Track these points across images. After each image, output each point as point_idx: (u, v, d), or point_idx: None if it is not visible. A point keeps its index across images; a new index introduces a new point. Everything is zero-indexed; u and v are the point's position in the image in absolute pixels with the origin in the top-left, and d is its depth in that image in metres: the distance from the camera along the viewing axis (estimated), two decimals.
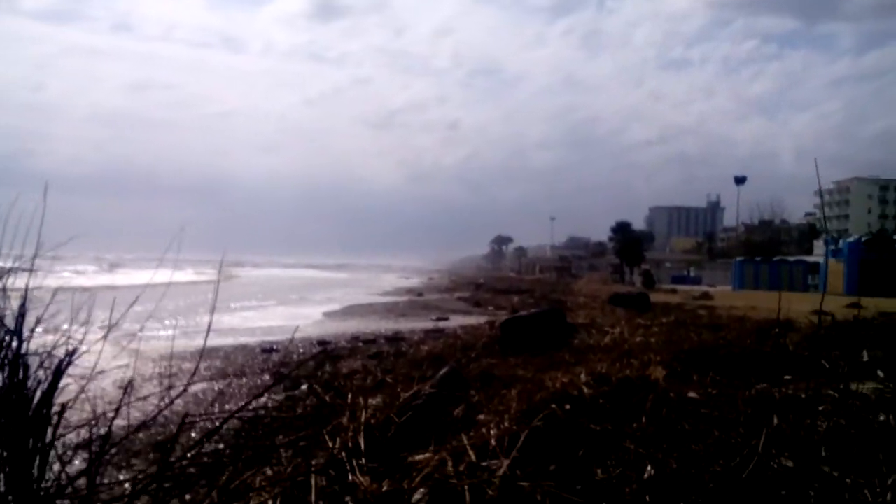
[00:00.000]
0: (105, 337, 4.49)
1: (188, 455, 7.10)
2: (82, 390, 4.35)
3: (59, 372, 4.18)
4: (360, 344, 16.33)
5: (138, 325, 5.10)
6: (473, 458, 4.71)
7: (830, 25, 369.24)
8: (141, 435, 8.78)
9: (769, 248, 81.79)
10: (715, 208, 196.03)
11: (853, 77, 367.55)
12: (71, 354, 4.29)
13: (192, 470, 6.60)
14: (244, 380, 11.88)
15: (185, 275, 71.35)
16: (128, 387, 4.51)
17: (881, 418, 5.86)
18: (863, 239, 55.16)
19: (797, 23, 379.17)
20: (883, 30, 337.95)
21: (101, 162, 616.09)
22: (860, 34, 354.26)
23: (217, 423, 8.79)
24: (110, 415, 4.39)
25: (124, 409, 4.50)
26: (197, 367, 8.16)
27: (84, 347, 4.38)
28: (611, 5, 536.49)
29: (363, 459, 4.72)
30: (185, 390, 4.81)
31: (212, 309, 4.71)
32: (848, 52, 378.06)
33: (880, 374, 8.51)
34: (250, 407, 9.48)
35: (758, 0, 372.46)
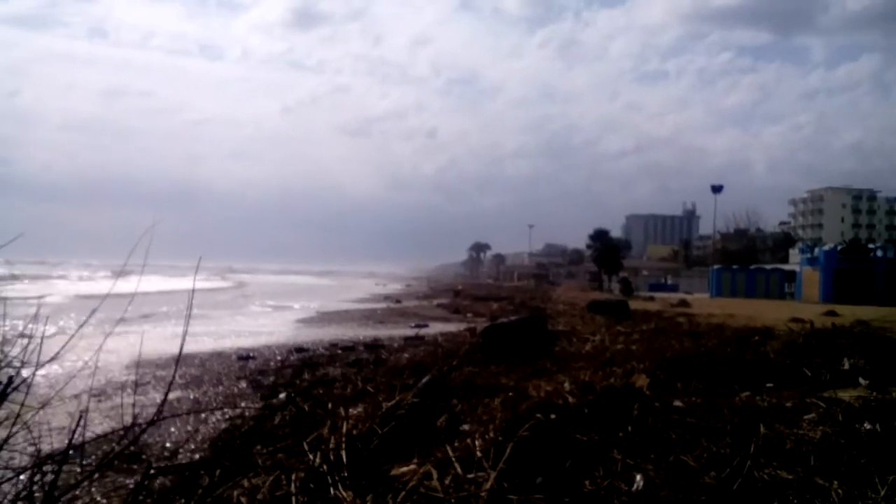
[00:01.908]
0: (52, 359, 4.11)
1: (163, 466, 6.93)
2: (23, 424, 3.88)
3: None
4: (339, 351, 16.16)
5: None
6: (459, 470, 4.57)
7: (804, 39, 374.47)
8: (115, 445, 8.60)
9: (745, 257, 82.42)
10: (691, 217, 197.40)
11: (826, 90, 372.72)
12: (7, 385, 3.87)
13: (167, 482, 6.41)
14: (220, 388, 11.67)
15: (197, 282, 72.29)
16: (80, 420, 3.96)
17: (867, 427, 5.82)
18: (838, 247, 55.76)
19: (771, 36, 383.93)
20: (855, 43, 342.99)
21: (75, 169, 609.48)
22: (833, 48, 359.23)
23: (194, 433, 8.61)
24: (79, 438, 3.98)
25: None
26: (173, 378, 7.93)
27: (26, 373, 4.01)
28: (587, 17, 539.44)
29: (345, 472, 4.57)
30: (147, 427, 4.48)
31: (187, 316, 4.51)
32: (820, 65, 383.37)
33: (863, 381, 8.51)
34: (227, 416, 9.30)
35: (732, 13, 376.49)
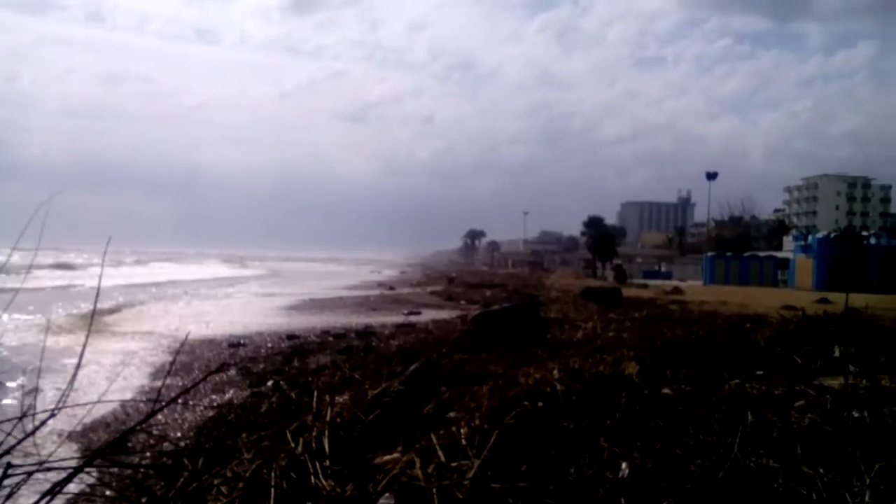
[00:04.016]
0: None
1: (147, 454, 6.88)
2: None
3: None
4: (330, 338, 16.10)
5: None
6: (443, 458, 4.52)
7: (801, 25, 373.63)
8: (102, 433, 8.56)
9: (739, 244, 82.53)
10: (686, 204, 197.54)
11: (823, 76, 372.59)
12: None
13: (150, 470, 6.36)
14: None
15: (228, 269, 75.31)
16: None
17: (855, 415, 5.79)
18: (831, 235, 55.84)
19: (769, 23, 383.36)
20: (852, 30, 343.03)
21: (74, 154, 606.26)
22: (830, 34, 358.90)
23: (181, 422, 8.57)
24: None
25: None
26: (173, 363, 7.88)
27: None
28: (585, 3, 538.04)
29: (327, 461, 4.51)
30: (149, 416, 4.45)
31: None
32: (818, 51, 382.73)
33: (852, 369, 8.48)
34: (214, 404, 9.26)
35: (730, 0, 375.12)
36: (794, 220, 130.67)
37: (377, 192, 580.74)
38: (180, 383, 10.79)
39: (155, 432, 7.99)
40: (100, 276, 4.54)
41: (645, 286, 44.07)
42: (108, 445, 4.51)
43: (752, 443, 4.91)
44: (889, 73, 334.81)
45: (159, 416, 8.60)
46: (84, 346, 4.05)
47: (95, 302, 5.15)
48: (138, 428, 4.32)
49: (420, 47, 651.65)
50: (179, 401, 9.74)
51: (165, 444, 7.40)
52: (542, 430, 5.08)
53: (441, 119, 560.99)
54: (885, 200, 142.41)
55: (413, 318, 21.32)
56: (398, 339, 14.61)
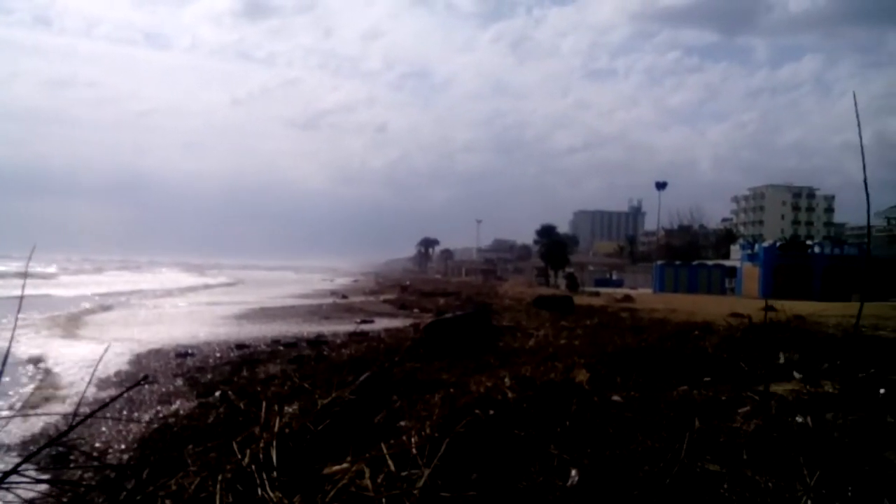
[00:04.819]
0: None
1: (88, 466, 6.70)
2: None
3: None
4: (281, 347, 15.90)
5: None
6: (393, 467, 4.48)
7: (749, 39, 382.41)
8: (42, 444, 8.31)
9: (688, 253, 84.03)
10: (637, 213, 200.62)
11: (769, 89, 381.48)
12: None
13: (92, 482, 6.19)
14: (156, 386, 11.35)
15: (191, 278, 74.57)
16: None
17: (799, 420, 5.91)
18: (777, 244, 57.19)
19: (717, 36, 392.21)
20: (797, 44, 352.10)
21: (19, 159, 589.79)
22: (776, 48, 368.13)
23: (124, 433, 8.36)
24: None
25: None
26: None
27: None
28: (539, 14, 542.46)
29: (275, 472, 4.44)
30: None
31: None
32: (764, 65, 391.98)
33: (797, 375, 8.66)
34: (160, 415, 9.05)
35: (680, 13, 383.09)
36: (742, 229, 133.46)
37: (330, 201, 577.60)
38: (126, 395, 10.54)
39: (98, 445, 7.80)
40: (23, 286, 4.41)
41: (597, 294, 44.55)
42: (21, 463, 4.37)
43: (699, 448, 4.97)
44: (832, 85, 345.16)
45: (103, 429, 8.39)
46: (5, 358, 3.92)
47: (18, 312, 4.99)
48: (70, 439, 4.18)
49: (374, 55, 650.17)
50: (125, 413, 9.55)
51: (109, 458, 7.23)
52: (492, 438, 5.08)
53: (395, 127, 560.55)
54: (829, 210, 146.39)
55: (366, 327, 21.16)
56: (350, 348, 14.48)
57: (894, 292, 34.67)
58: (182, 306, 33.82)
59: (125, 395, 8.19)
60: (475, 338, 12.52)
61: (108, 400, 7.91)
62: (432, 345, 12.11)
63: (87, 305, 28.08)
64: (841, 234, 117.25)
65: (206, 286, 57.73)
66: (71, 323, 22.83)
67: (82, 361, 13.71)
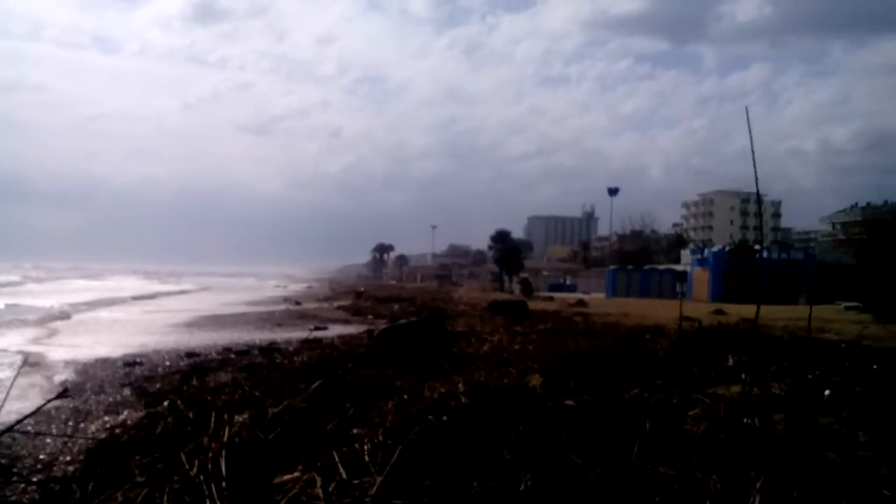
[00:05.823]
0: None
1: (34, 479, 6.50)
2: None
3: None
4: (232, 355, 15.66)
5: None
6: (345, 475, 4.44)
7: (698, 48, 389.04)
8: None
9: (640, 257, 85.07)
10: (590, 219, 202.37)
11: (718, 96, 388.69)
12: None
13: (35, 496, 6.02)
14: (102, 395, 11.08)
15: (148, 285, 72.99)
16: None
17: (747, 422, 6.01)
18: (726, 249, 58.33)
19: (668, 45, 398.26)
20: (745, 53, 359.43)
21: None
22: (725, 57, 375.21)
23: (70, 445, 8.14)
24: None
25: None
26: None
27: None
28: (492, 22, 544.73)
29: (224, 483, 4.35)
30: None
31: None
32: (713, 72, 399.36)
33: (745, 377, 8.82)
34: (107, 426, 8.83)
35: (631, 22, 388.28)
36: (692, 233, 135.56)
37: (284, 206, 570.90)
38: (71, 405, 10.27)
39: (43, 457, 7.58)
40: None
41: (551, 299, 44.88)
42: None
43: (650, 451, 5.02)
44: (779, 94, 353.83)
45: (48, 441, 8.15)
46: None
47: None
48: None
49: (328, 60, 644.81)
50: (69, 423, 9.29)
51: (54, 471, 7.02)
52: (446, 444, 5.06)
53: (349, 133, 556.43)
54: (776, 215, 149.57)
55: (319, 334, 20.96)
56: (303, 356, 14.32)
57: (839, 296, 35.57)
58: (134, 313, 33.14)
59: (43, 408, 7.94)
60: (429, 344, 12.50)
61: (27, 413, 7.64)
62: (386, 351, 12.06)
63: (31, 317, 27.27)
64: (787, 239, 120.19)
65: (160, 293, 56.58)
66: (13, 331, 22.19)
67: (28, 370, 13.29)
